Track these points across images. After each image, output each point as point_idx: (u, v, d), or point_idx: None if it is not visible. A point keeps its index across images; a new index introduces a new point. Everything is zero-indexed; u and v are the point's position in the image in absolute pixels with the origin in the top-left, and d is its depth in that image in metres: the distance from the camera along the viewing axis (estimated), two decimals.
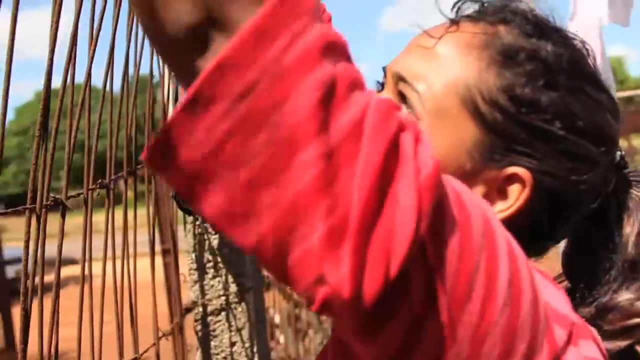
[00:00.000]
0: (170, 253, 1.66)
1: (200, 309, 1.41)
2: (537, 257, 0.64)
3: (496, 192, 0.59)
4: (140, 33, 1.07)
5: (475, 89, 0.57)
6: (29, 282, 0.74)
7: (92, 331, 0.88)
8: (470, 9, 0.63)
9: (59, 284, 0.82)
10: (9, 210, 0.72)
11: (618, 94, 4.80)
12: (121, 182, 1.10)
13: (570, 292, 0.61)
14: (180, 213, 1.38)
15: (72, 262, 5.42)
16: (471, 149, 0.57)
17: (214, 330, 1.41)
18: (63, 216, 0.82)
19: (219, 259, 1.42)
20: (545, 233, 0.61)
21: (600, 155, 0.59)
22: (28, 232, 0.74)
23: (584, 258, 0.65)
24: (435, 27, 0.62)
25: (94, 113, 0.95)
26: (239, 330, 1.42)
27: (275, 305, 4.58)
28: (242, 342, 1.42)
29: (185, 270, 1.42)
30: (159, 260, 1.56)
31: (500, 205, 0.58)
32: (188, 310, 1.41)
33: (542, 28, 0.60)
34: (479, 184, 0.58)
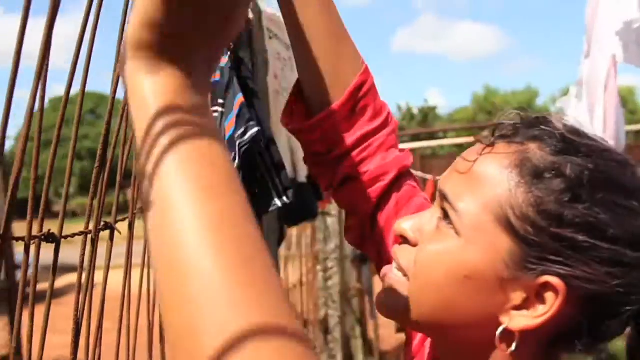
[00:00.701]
0: None
1: None
2: (587, 354, 0.67)
3: (535, 297, 0.63)
4: None
5: (507, 205, 0.63)
6: (80, 301, 0.80)
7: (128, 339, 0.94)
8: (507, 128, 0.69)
9: (103, 311, 0.88)
10: (75, 233, 0.78)
11: (628, 127, 4.83)
12: None
13: None
14: None
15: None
16: (506, 258, 0.63)
17: None
18: (112, 239, 0.89)
19: None
20: (592, 333, 0.64)
21: (638, 258, 0.62)
22: (83, 255, 0.81)
23: None
24: (472, 149, 0.69)
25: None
26: None
27: None
28: None
29: None
30: None
31: (540, 309, 0.62)
32: None
33: (571, 143, 0.64)
34: (518, 290, 0.63)
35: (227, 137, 1.11)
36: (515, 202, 0.62)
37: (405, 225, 0.72)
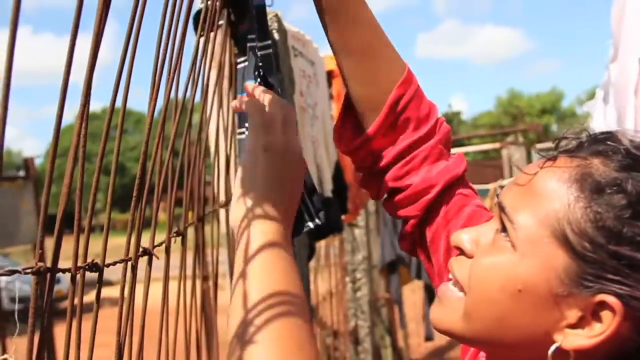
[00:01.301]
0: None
1: None
2: None
3: (591, 316, 0.61)
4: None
5: (565, 220, 0.61)
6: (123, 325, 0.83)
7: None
8: (573, 142, 0.68)
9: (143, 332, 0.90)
10: (117, 261, 0.80)
11: None
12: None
13: None
14: None
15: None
16: (562, 275, 0.61)
17: None
18: (150, 264, 0.92)
19: None
20: None
21: None
22: (124, 281, 0.83)
23: None
24: (534, 163, 0.69)
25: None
26: None
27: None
28: None
29: None
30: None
31: (596, 329, 0.61)
32: None
33: (636, 159, 0.62)
34: (573, 307, 0.61)
35: None
36: (573, 217, 0.61)
37: (463, 237, 0.71)
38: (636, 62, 2.74)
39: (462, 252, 0.71)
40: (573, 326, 0.62)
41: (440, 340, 7.00)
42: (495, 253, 0.66)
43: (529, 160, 5.59)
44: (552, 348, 0.62)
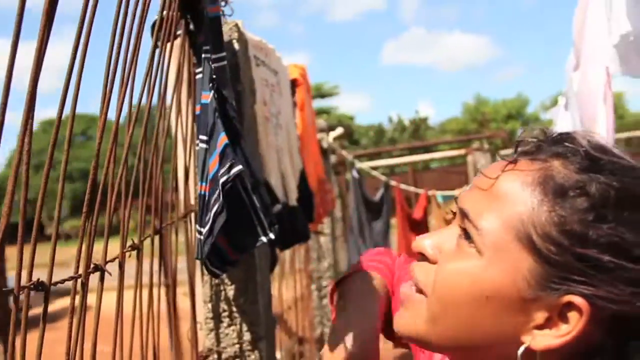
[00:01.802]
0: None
1: (215, 356, 1.48)
2: None
3: (558, 317, 0.62)
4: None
5: (530, 224, 0.62)
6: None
7: None
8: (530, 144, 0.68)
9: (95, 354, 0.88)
10: (65, 279, 0.78)
11: (618, 135, 4.87)
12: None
13: None
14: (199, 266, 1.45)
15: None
16: (528, 278, 0.62)
17: None
18: (102, 280, 0.89)
19: (234, 309, 1.49)
20: (616, 354, 0.63)
21: None
22: (74, 298, 0.81)
23: None
24: (493, 166, 0.69)
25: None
26: None
27: (278, 341, 4.61)
28: None
29: (202, 319, 1.48)
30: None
31: (563, 329, 0.62)
32: (205, 358, 1.47)
33: (596, 161, 0.63)
34: (541, 309, 0.62)
35: (211, 175, 1.12)
36: (538, 221, 0.61)
37: (426, 242, 0.71)
38: (602, 71, 2.80)
39: (424, 257, 0.71)
40: (540, 327, 0.63)
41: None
42: (460, 259, 0.66)
43: None
44: (521, 349, 0.63)
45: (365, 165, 5.57)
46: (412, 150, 13.66)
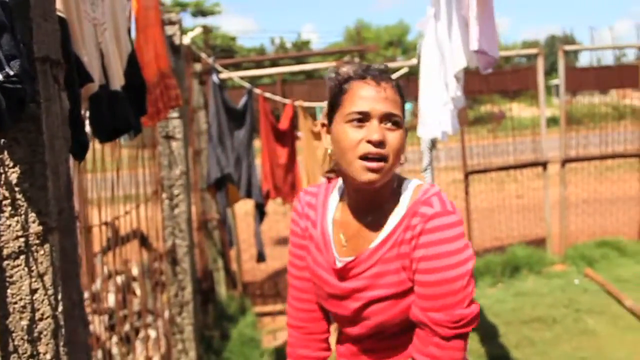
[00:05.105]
0: None
1: None
2: None
3: None
4: None
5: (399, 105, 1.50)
6: None
7: None
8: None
9: None
10: None
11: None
12: None
13: None
14: None
15: None
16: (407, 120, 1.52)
17: (10, 277, 1.23)
18: None
19: (17, 196, 1.24)
20: None
21: None
22: None
23: None
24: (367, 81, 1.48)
25: None
26: (40, 275, 1.25)
27: (134, 258, 4.37)
28: (45, 288, 1.26)
29: None
30: None
31: None
32: None
33: (367, 69, 1.48)
34: None
35: None
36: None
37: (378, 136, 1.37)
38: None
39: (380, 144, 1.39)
40: None
41: (273, 262, 7.01)
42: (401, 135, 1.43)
43: None
44: None
45: (232, 74, 5.27)
46: (283, 62, 13.51)
